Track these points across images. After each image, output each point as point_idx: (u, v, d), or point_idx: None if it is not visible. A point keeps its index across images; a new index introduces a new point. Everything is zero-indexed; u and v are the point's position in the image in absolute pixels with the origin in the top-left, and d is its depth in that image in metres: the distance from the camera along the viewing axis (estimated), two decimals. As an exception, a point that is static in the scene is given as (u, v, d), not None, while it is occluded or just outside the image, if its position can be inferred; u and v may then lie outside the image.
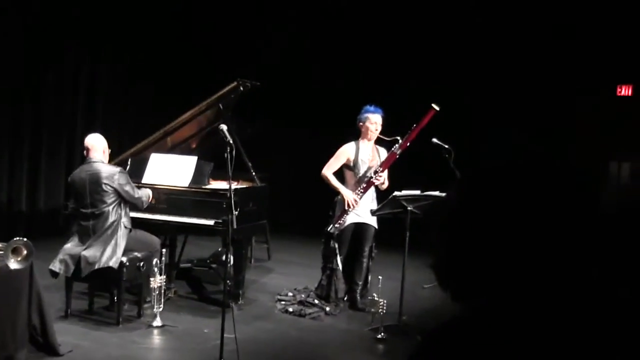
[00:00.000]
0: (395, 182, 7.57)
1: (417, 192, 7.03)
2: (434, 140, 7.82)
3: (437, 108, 7.19)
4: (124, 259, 6.67)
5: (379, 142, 7.69)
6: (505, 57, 11.94)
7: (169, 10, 12.70)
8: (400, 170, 7.85)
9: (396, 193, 6.94)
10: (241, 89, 7.68)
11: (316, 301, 7.64)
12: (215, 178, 7.84)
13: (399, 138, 7.36)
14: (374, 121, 7.56)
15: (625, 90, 11.72)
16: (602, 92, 11.57)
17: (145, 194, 7.23)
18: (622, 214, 2.06)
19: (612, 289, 1.39)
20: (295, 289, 8.18)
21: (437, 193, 6.92)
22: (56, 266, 6.70)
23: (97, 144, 6.99)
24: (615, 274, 1.40)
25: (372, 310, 6.94)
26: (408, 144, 7.35)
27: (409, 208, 7.03)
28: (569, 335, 1.30)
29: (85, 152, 7.02)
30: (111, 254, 6.64)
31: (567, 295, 1.31)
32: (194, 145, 8.47)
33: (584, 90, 11.37)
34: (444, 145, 7.84)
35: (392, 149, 7.41)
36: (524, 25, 11.86)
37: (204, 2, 13.23)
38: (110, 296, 7.32)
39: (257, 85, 8.00)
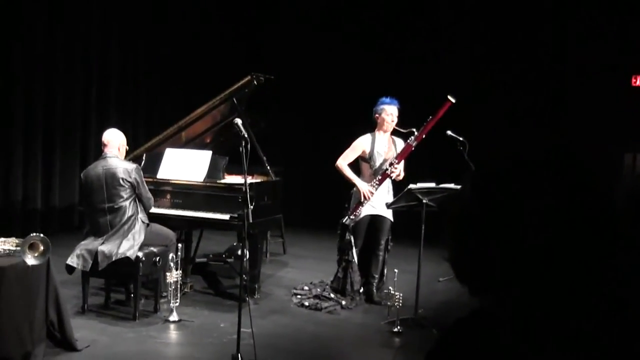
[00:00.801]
0: (411, 174, 7.55)
1: (432, 184, 7.01)
2: (449, 132, 7.80)
3: (453, 100, 7.18)
4: (140, 254, 6.68)
5: (395, 133, 7.67)
6: (520, 48, 11.90)
7: (183, 3, 12.71)
8: (415, 163, 7.83)
9: (411, 186, 6.92)
10: (255, 83, 7.67)
11: (332, 295, 7.64)
12: (230, 172, 7.86)
13: (414, 130, 7.34)
14: (389, 112, 7.54)
15: (640, 81, 11.65)
16: (617, 83, 11.49)
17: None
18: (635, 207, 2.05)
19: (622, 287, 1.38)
20: (311, 283, 8.18)
21: (452, 185, 6.91)
22: (74, 261, 6.71)
23: (113, 140, 7.00)
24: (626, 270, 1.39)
25: (388, 303, 6.93)
26: (424, 136, 7.33)
27: (424, 201, 7.01)
28: (586, 330, 1.29)
29: (102, 147, 7.03)
30: (128, 246, 6.66)
31: (584, 290, 1.30)
32: (208, 140, 8.48)
33: (599, 81, 11.30)
34: (458, 137, 7.81)
35: (408, 140, 7.40)
36: (540, 16, 11.82)
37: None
38: (126, 291, 7.36)
39: (271, 79, 8.00)
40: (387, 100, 7.59)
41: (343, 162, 7.67)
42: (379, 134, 7.65)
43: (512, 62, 11.84)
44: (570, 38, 11.76)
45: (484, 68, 11.96)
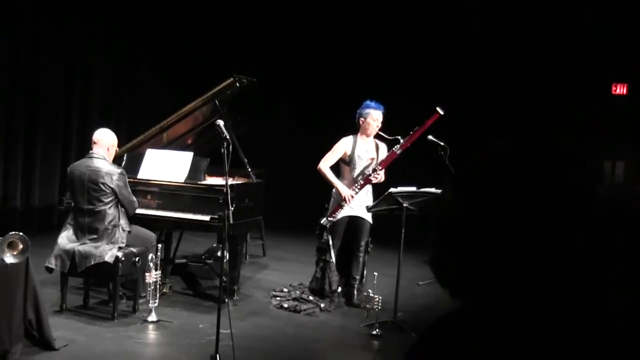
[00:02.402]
0: (392, 178, 7.57)
1: (413, 188, 7.04)
2: (430, 137, 7.82)
3: (441, 112, 7.21)
4: (120, 254, 6.66)
5: (379, 139, 7.68)
6: (502, 56, 11.95)
7: (165, 5, 12.68)
8: (396, 167, 7.85)
9: (392, 190, 6.94)
10: (237, 85, 7.68)
11: (311, 297, 7.65)
12: (211, 174, 7.85)
13: (400, 138, 7.36)
14: (375, 117, 7.54)
15: (620, 89, 11.75)
16: (597, 91, 11.58)
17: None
18: (616, 213, 2.07)
19: (604, 292, 1.40)
20: (290, 285, 8.19)
21: (432, 190, 6.93)
22: (52, 263, 6.70)
23: (103, 139, 6.96)
24: (608, 274, 1.41)
25: (368, 306, 6.96)
26: (409, 145, 7.36)
27: (404, 205, 7.03)
28: (566, 331, 1.31)
29: (92, 144, 7.00)
30: (107, 249, 6.64)
31: (565, 292, 1.32)
32: (190, 141, 8.46)
33: (579, 88, 11.39)
34: (439, 142, 7.84)
35: (393, 148, 7.41)
36: (520, 24, 11.88)
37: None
38: (108, 291, 7.34)
39: (254, 82, 8.01)
40: (373, 104, 7.59)
41: (325, 165, 7.68)
42: (361, 138, 7.66)
43: (493, 68, 11.90)
44: (551, 45, 11.83)
45: (464, 73, 11.99)
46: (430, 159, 8.12)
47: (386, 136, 7.52)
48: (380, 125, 7.56)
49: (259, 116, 8.83)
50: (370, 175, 7.47)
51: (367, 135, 7.63)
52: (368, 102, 7.62)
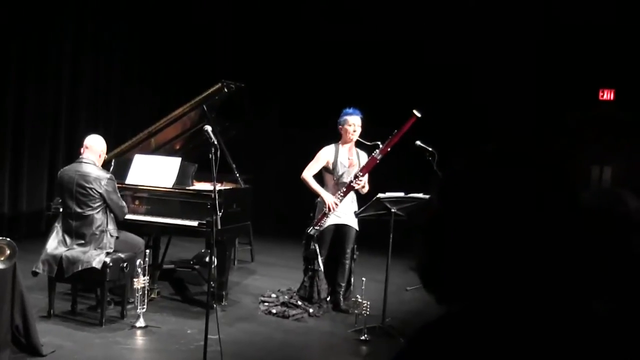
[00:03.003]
0: (380, 184, 7.58)
1: (401, 194, 7.05)
2: (418, 142, 7.84)
3: (418, 115, 7.23)
4: (107, 260, 6.65)
5: (359, 145, 7.70)
6: (489, 60, 11.99)
7: (153, 9, 12.66)
8: (384, 172, 7.86)
9: (380, 195, 6.95)
10: (225, 90, 7.68)
11: (299, 302, 7.65)
12: (199, 179, 7.85)
13: (379, 143, 7.39)
14: (352, 122, 7.58)
15: (607, 95, 11.80)
16: (584, 96, 11.63)
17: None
18: (602, 218, 2.08)
19: (587, 296, 1.41)
20: (278, 291, 8.18)
21: (421, 195, 6.94)
22: (39, 267, 6.69)
23: (94, 146, 6.97)
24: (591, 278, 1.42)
25: (356, 312, 6.96)
26: (389, 149, 7.37)
27: (392, 210, 7.05)
28: (552, 337, 1.31)
29: (81, 150, 6.99)
30: (95, 255, 6.62)
31: (552, 297, 1.33)
32: (178, 147, 8.46)
33: (567, 94, 11.43)
34: (427, 147, 7.85)
35: (373, 153, 7.43)
36: (507, 28, 11.92)
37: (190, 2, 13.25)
38: (96, 297, 7.31)
39: (242, 87, 8.02)
40: (350, 110, 7.63)
41: (308, 174, 7.71)
42: (342, 146, 7.70)
43: (480, 73, 11.93)
44: (539, 50, 11.87)
45: (451, 79, 12.02)
46: (418, 164, 8.13)
47: (366, 142, 7.54)
48: (358, 130, 7.60)
49: (247, 121, 8.83)
50: (352, 182, 7.48)
51: (348, 142, 7.66)
52: (346, 109, 7.66)
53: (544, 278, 1.32)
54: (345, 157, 7.67)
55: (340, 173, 7.64)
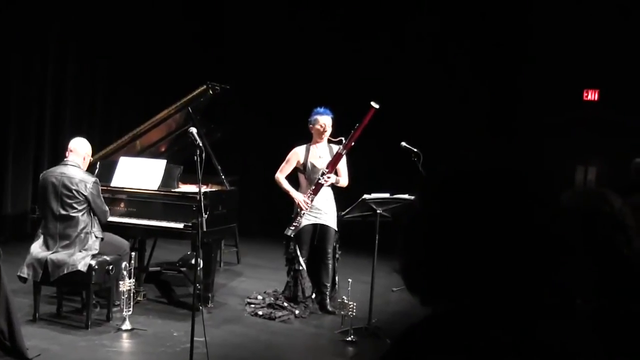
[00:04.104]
0: (365, 185, 7.59)
1: (387, 195, 7.06)
2: (403, 143, 7.88)
3: (376, 106, 7.31)
4: (93, 263, 6.63)
5: (329, 143, 7.75)
6: (472, 61, 12.03)
7: (139, 11, 12.63)
8: (370, 173, 7.88)
9: (365, 196, 6.97)
10: (210, 92, 7.69)
11: (285, 304, 7.65)
12: (185, 181, 7.84)
13: (343, 139, 7.44)
14: (322, 123, 7.62)
15: (591, 95, 11.85)
16: (568, 97, 11.67)
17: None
18: (585, 217, 2.10)
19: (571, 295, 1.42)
20: (264, 292, 8.17)
21: (406, 196, 6.95)
22: (24, 272, 6.66)
23: (79, 148, 6.95)
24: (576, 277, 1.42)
25: (342, 313, 6.96)
26: (353, 144, 7.44)
27: (378, 211, 7.06)
28: (536, 335, 1.32)
29: (66, 153, 6.97)
30: (80, 257, 6.60)
31: (534, 297, 1.33)
32: (163, 149, 8.45)
33: (551, 94, 11.47)
34: (412, 148, 7.89)
35: (337, 149, 7.49)
36: (491, 27, 11.96)
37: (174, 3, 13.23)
38: (81, 300, 7.29)
39: (227, 89, 8.02)
40: (321, 110, 7.69)
41: (280, 175, 7.77)
42: (314, 145, 7.74)
43: (465, 74, 11.96)
44: (523, 51, 11.91)
45: (437, 78, 12.03)
46: (403, 165, 8.15)
47: (331, 138, 7.60)
48: (328, 130, 7.65)
49: (232, 123, 8.82)
50: (319, 179, 7.52)
51: (319, 142, 7.69)
52: (317, 108, 7.71)
53: (525, 278, 1.33)
54: (316, 155, 7.70)
55: (312, 172, 7.67)
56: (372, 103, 7.32)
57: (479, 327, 1.33)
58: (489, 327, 1.32)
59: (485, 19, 12.06)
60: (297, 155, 7.74)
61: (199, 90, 7.70)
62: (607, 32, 11.09)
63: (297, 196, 7.61)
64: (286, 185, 7.73)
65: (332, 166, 7.56)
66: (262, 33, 13.15)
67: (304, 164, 7.71)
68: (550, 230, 1.36)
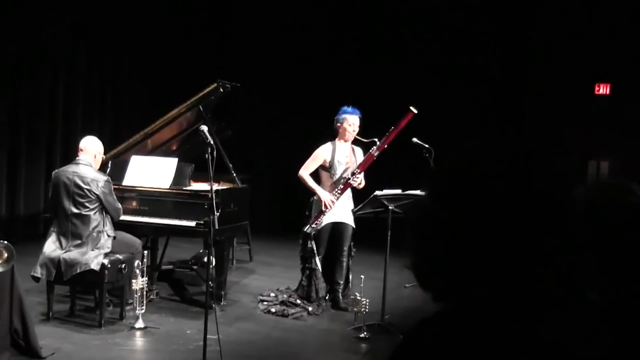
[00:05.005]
0: (378, 181, 7.59)
1: (398, 191, 7.06)
2: (414, 139, 7.86)
3: (415, 111, 7.26)
4: (106, 261, 6.65)
5: (355, 142, 7.71)
6: (485, 55, 12.00)
7: (149, 11, 12.64)
8: (381, 169, 7.87)
9: (377, 192, 6.96)
10: (221, 90, 7.68)
11: (298, 301, 7.64)
12: (196, 179, 7.84)
13: (376, 140, 7.39)
14: (351, 122, 7.58)
15: (603, 89, 11.79)
16: (580, 91, 11.63)
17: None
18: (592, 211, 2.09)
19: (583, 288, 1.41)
20: (277, 290, 8.18)
21: (418, 192, 6.94)
22: (37, 271, 6.67)
23: (90, 147, 6.97)
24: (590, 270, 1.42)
25: (355, 309, 6.96)
26: (386, 146, 7.38)
27: (390, 207, 7.05)
28: (548, 331, 1.32)
29: (77, 152, 6.99)
30: (93, 256, 6.62)
31: (546, 292, 1.33)
32: (174, 147, 8.45)
33: (562, 88, 11.43)
34: (424, 144, 7.87)
35: (370, 150, 7.45)
36: (502, 23, 11.93)
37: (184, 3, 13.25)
38: (94, 299, 7.31)
39: (237, 87, 8.02)
40: (349, 109, 7.63)
41: (305, 172, 7.70)
42: (339, 143, 7.69)
43: (475, 68, 11.93)
44: (534, 45, 11.88)
45: (448, 73, 12.00)
46: (415, 161, 8.13)
47: (363, 139, 7.54)
48: (357, 129, 7.60)
49: (243, 121, 8.82)
50: (349, 179, 7.49)
51: (345, 141, 7.66)
52: (344, 107, 7.66)
53: (537, 273, 1.32)
54: (343, 155, 7.67)
55: (337, 171, 7.64)
56: (411, 108, 7.28)
57: (489, 321, 1.32)
58: (500, 322, 1.32)
59: (496, 13, 12.03)
60: (323, 152, 7.70)
61: (209, 88, 7.70)
62: (618, 26, 11.04)
63: (324, 195, 7.57)
64: (312, 183, 7.69)
65: (363, 167, 7.53)
66: (270, 32, 13.12)
67: (331, 162, 7.67)
68: (564, 222, 1.35)
